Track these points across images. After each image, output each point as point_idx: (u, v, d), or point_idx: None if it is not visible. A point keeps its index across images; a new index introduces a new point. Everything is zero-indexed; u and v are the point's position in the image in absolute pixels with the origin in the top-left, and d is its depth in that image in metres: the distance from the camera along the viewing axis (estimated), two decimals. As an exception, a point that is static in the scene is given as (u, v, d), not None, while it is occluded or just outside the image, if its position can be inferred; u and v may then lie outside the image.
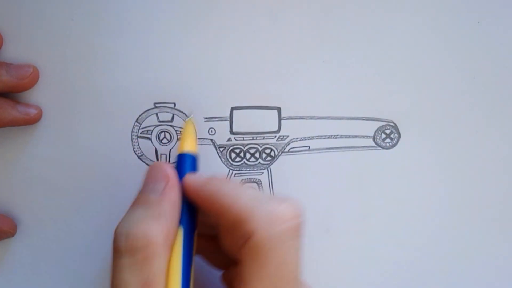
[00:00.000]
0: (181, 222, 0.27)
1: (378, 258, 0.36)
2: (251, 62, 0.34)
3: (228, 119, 0.35)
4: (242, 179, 0.35)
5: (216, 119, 0.35)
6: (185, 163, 0.29)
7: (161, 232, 0.26)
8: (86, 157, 0.34)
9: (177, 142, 0.35)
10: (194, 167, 0.30)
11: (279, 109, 0.35)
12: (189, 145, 0.30)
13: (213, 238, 0.30)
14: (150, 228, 0.26)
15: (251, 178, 0.35)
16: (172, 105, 0.34)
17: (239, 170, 0.35)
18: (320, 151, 0.36)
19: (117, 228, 0.26)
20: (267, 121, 0.35)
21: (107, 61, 0.34)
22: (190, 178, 0.28)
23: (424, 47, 0.35)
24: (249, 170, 0.35)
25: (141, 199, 0.27)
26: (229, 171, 0.35)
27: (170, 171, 0.28)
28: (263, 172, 0.35)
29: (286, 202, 0.27)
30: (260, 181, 0.35)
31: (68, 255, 0.35)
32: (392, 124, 0.36)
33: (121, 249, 0.25)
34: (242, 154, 0.35)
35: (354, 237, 0.36)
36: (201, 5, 0.34)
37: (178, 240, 0.27)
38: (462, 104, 0.36)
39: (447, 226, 0.37)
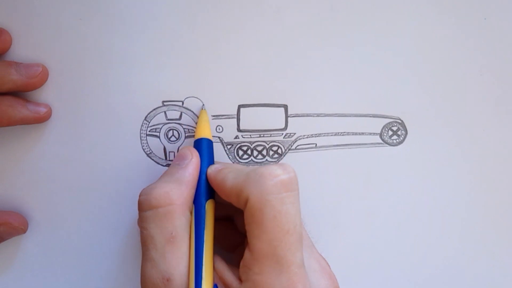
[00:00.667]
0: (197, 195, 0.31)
1: (384, 254, 0.37)
2: (258, 60, 0.35)
3: (236, 116, 0.35)
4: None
5: (224, 117, 0.35)
6: (202, 147, 0.32)
7: (181, 195, 0.29)
8: (95, 155, 0.35)
9: (187, 139, 0.35)
10: (210, 150, 0.33)
11: (286, 107, 0.35)
12: (204, 131, 0.33)
13: (226, 221, 0.33)
14: (172, 190, 0.29)
15: (259, 175, 0.36)
16: (180, 103, 0.35)
17: (246, 168, 0.36)
18: (327, 148, 0.36)
19: (143, 189, 0.30)
20: (274, 118, 0.35)
21: (116, 60, 0.34)
22: (208, 170, 0.31)
23: (431, 43, 0.35)
24: (256, 168, 0.36)
25: (168, 171, 0.31)
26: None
27: (193, 151, 0.32)
28: (270, 169, 0.36)
29: (276, 164, 0.29)
30: (268, 178, 0.36)
31: (78, 251, 0.35)
32: (399, 121, 0.36)
33: (145, 204, 0.29)
34: (249, 152, 0.35)
35: (361, 233, 0.36)
36: (208, 4, 0.34)
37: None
38: (469, 100, 0.36)
39: (454, 222, 0.37)
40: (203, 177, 0.31)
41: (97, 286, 0.36)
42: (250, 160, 0.36)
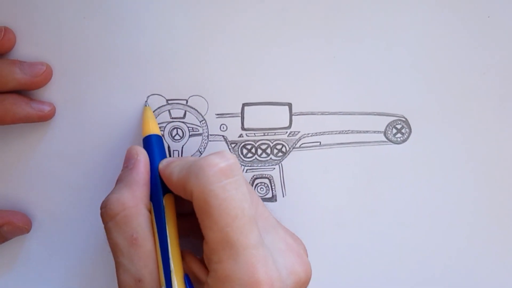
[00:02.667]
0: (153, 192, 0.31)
1: (387, 253, 0.37)
2: (263, 59, 0.35)
3: (240, 115, 0.35)
4: (254, 175, 0.36)
5: (228, 116, 0.35)
6: (152, 143, 0.32)
7: (133, 196, 0.30)
8: (99, 154, 0.35)
9: (191, 137, 0.35)
10: (160, 145, 0.33)
11: (290, 105, 0.35)
12: (151, 128, 0.33)
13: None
14: (123, 195, 0.30)
15: (263, 174, 0.36)
16: (184, 102, 0.35)
17: (250, 166, 0.36)
18: (331, 146, 0.36)
19: (101, 202, 0.30)
20: (278, 117, 0.35)
21: (119, 58, 0.34)
22: (160, 165, 0.32)
23: (435, 42, 0.35)
24: (260, 166, 0.36)
25: (118, 177, 0.32)
26: (241, 166, 0.35)
27: (138, 149, 0.32)
28: (274, 168, 0.36)
29: (215, 153, 0.29)
30: (272, 176, 0.36)
31: (81, 251, 0.35)
32: (403, 119, 0.36)
33: (104, 216, 0.30)
34: (253, 150, 0.35)
35: (365, 231, 0.36)
36: (213, 3, 0.34)
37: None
38: (473, 99, 0.36)
39: (459, 221, 0.37)
40: (156, 173, 0.31)
41: (100, 285, 0.36)
42: (254, 159, 0.36)
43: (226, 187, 0.28)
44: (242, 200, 0.28)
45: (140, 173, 0.31)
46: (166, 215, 0.30)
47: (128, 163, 0.32)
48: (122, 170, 0.32)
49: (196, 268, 0.30)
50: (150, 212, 0.30)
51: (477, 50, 0.36)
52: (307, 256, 0.31)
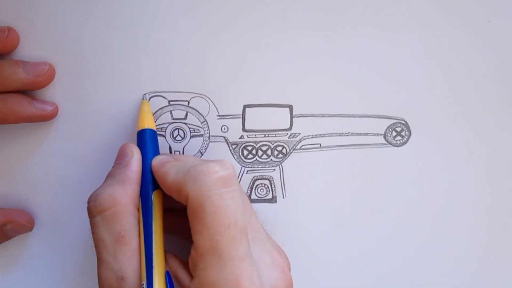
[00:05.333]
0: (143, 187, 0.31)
1: (388, 254, 0.37)
2: (263, 61, 0.35)
3: (241, 116, 0.35)
4: (254, 176, 0.36)
5: (229, 117, 0.35)
6: (145, 138, 0.32)
7: (125, 194, 0.30)
8: (101, 154, 0.35)
9: (193, 138, 0.35)
10: (154, 140, 0.33)
11: (291, 107, 0.35)
12: (146, 122, 0.33)
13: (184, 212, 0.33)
14: (115, 191, 0.30)
15: (263, 175, 0.36)
16: (186, 103, 0.35)
17: (251, 167, 0.36)
18: (332, 148, 0.36)
19: (89, 196, 0.30)
20: (279, 118, 0.35)
21: (122, 59, 0.34)
22: (153, 161, 0.32)
23: (435, 45, 0.35)
24: (261, 167, 0.36)
25: (110, 172, 0.32)
26: (241, 168, 0.36)
27: (133, 147, 0.32)
28: (275, 169, 0.36)
29: (215, 160, 0.29)
30: (272, 178, 0.36)
31: (84, 249, 0.36)
32: (403, 122, 0.36)
33: (92, 210, 0.30)
34: (254, 151, 0.36)
35: (365, 233, 0.37)
36: (214, 4, 0.34)
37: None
38: (473, 102, 0.36)
39: (457, 224, 0.37)
40: (148, 169, 0.31)
41: (102, 283, 0.36)
42: (255, 160, 0.36)
43: (223, 195, 0.28)
44: (237, 210, 0.28)
45: (133, 171, 0.31)
46: (153, 211, 0.30)
47: (122, 160, 0.31)
48: (114, 166, 0.32)
49: (180, 272, 0.30)
50: (138, 210, 0.30)
51: (477, 53, 0.36)
52: (290, 271, 0.31)
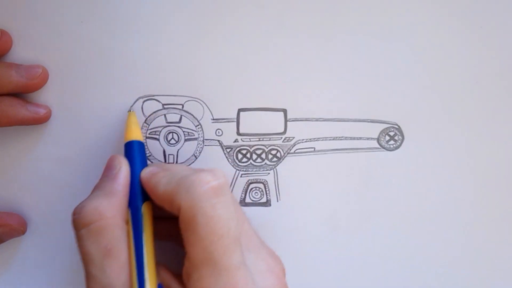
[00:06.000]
0: (132, 200, 0.31)
1: (382, 258, 0.37)
2: (258, 65, 0.35)
3: (235, 120, 0.35)
4: (249, 180, 0.36)
5: (223, 121, 0.35)
6: (133, 150, 0.32)
7: (112, 207, 0.29)
8: (94, 157, 0.35)
9: (187, 142, 0.35)
10: (142, 152, 0.32)
11: (285, 111, 0.35)
12: (134, 134, 0.33)
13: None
14: (101, 203, 0.29)
15: (257, 179, 0.36)
16: (180, 107, 0.35)
17: (245, 171, 0.36)
18: (325, 152, 0.36)
19: (74, 208, 0.29)
20: (273, 122, 0.35)
21: (116, 62, 0.34)
22: (142, 173, 0.31)
23: (428, 50, 0.36)
24: (255, 171, 0.36)
25: (96, 185, 0.31)
26: (236, 171, 0.36)
27: (121, 159, 0.31)
28: (269, 173, 0.36)
29: (206, 170, 0.29)
30: (266, 181, 0.36)
31: (76, 254, 0.35)
32: (396, 126, 0.36)
33: (77, 223, 0.29)
34: (248, 155, 0.36)
35: (359, 237, 0.37)
36: (209, 8, 0.34)
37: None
38: (465, 107, 0.36)
39: (451, 227, 0.37)
40: (137, 181, 0.31)
41: None
42: (249, 164, 0.36)
43: (215, 205, 0.28)
44: (229, 219, 0.28)
45: (121, 184, 0.30)
46: (143, 223, 0.30)
47: (109, 172, 0.31)
48: (101, 178, 0.31)
49: (172, 283, 0.29)
50: (126, 223, 0.30)
51: (469, 60, 0.36)
52: (285, 277, 0.31)
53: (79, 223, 0.29)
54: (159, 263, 0.30)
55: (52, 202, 0.35)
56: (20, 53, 0.34)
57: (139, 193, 0.31)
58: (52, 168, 0.35)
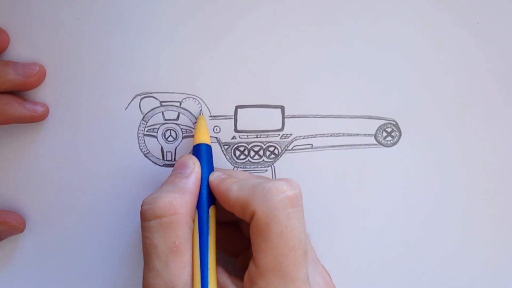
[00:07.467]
0: (200, 201, 0.31)
1: (379, 254, 0.37)
2: (256, 62, 0.35)
3: (233, 117, 0.35)
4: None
5: (221, 118, 0.35)
6: (202, 152, 0.33)
7: (185, 204, 0.29)
8: (92, 155, 0.35)
9: (185, 139, 0.35)
10: (209, 156, 0.33)
11: (282, 108, 0.36)
12: (203, 136, 0.33)
13: (231, 225, 0.33)
14: (176, 199, 0.29)
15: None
16: (178, 104, 0.35)
17: (243, 168, 0.36)
18: (323, 149, 0.36)
19: (145, 198, 0.29)
20: (271, 119, 0.36)
21: (113, 60, 0.34)
22: (210, 177, 0.32)
23: (424, 47, 0.36)
24: (253, 168, 0.36)
25: (169, 179, 0.31)
26: (234, 168, 0.36)
27: (194, 159, 0.32)
28: (267, 170, 0.36)
29: (282, 179, 0.29)
30: (264, 178, 0.36)
31: (75, 250, 0.35)
32: (393, 123, 0.36)
33: (148, 214, 0.29)
34: (246, 152, 0.36)
35: (356, 233, 0.37)
36: (206, 5, 0.34)
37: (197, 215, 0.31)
38: (462, 103, 0.36)
39: (448, 223, 0.37)
40: (205, 184, 0.31)
41: (93, 285, 0.36)
42: (247, 161, 0.36)
43: (291, 215, 0.28)
44: (301, 231, 0.28)
45: (194, 184, 0.31)
46: (209, 227, 0.30)
47: (183, 169, 0.31)
48: (173, 174, 0.31)
49: (229, 286, 0.29)
50: (193, 222, 0.30)
51: (466, 56, 0.36)
52: None
53: (151, 214, 0.29)
54: (218, 265, 0.30)
55: (50, 200, 0.35)
56: (17, 51, 0.34)
57: (206, 197, 0.31)
58: (49, 166, 0.35)
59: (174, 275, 0.28)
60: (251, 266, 0.28)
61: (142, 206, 0.29)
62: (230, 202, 0.30)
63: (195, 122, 0.35)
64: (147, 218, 0.29)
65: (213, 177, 0.31)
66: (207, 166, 0.32)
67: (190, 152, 0.35)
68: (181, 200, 0.29)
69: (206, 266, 0.29)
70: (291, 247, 0.27)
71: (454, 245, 0.38)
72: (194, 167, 0.31)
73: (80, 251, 0.35)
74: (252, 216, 0.28)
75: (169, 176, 0.32)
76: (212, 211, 0.31)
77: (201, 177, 0.31)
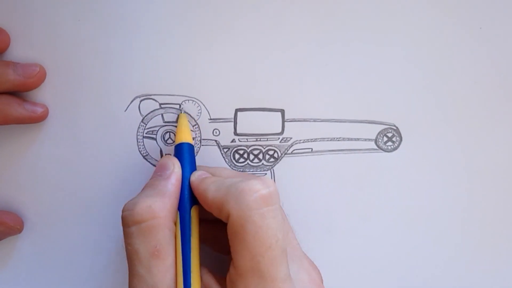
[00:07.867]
0: (181, 202, 0.31)
1: (378, 259, 0.37)
2: (256, 65, 0.35)
3: (233, 120, 0.35)
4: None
5: (221, 121, 0.35)
6: (183, 152, 0.32)
7: (164, 207, 0.29)
8: (91, 156, 0.35)
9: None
10: (191, 155, 0.33)
11: (282, 111, 0.35)
12: (184, 136, 0.33)
13: (220, 223, 0.32)
14: (155, 202, 0.29)
15: (255, 179, 0.36)
16: (177, 106, 0.35)
17: (242, 171, 0.36)
18: (323, 153, 0.36)
19: (125, 204, 0.29)
20: (270, 123, 0.35)
21: (113, 61, 0.34)
22: (192, 177, 0.31)
23: (426, 51, 0.36)
24: (252, 171, 0.36)
25: (149, 183, 0.31)
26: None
27: (174, 160, 0.32)
28: (266, 173, 0.36)
29: (256, 178, 0.29)
30: (263, 182, 0.36)
31: (73, 251, 0.35)
32: (394, 127, 0.36)
33: (128, 220, 0.28)
34: (245, 155, 0.36)
35: (355, 238, 0.37)
36: (206, 7, 0.34)
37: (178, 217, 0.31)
38: (463, 108, 0.36)
39: (448, 228, 0.37)
40: (187, 183, 0.31)
41: (91, 286, 0.36)
42: (246, 164, 0.36)
43: (265, 214, 0.27)
44: (278, 229, 0.28)
45: (174, 185, 0.30)
46: (191, 227, 0.30)
47: (162, 171, 0.31)
48: (153, 177, 0.31)
49: (214, 287, 0.29)
50: (175, 225, 0.30)
51: (467, 61, 0.36)
52: (323, 286, 0.31)
53: (130, 220, 0.28)
54: (203, 266, 0.30)
55: (48, 201, 0.35)
56: (18, 51, 0.34)
57: (188, 197, 0.31)
58: (48, 167, 0.35)
59: (157, 279, 0.28)
60: (231, 268, 0.28)
61: (122, 212, 0.29)
62: (208, 203, 0.29)
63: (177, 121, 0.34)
64: (127, 224, 0.29)
65: (194, 177, 0.31)
66: (189, 165, 0.32)
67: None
68: (160, 203, 0.29)
69: (189, 268, 0.29)
70: (267, 246, 0.27)
71: (454, 251, 0.37)
72: (174, 168, 0.31)
73: (78, 252, 0.35)
74: (228, 217, 0.28)
75: (150, 179, 0.31)
76: (194, 212, 0.31)
77: (182, 178, 0.31)
